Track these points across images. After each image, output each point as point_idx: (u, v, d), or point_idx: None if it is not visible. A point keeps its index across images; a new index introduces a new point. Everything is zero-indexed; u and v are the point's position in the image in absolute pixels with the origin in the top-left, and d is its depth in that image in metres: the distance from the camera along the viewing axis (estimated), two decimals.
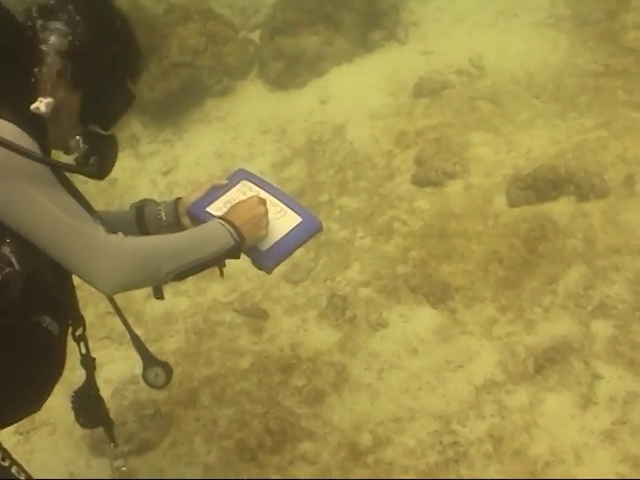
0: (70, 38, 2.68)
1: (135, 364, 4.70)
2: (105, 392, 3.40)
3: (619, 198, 4.91)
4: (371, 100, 6.74)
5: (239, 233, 2.87)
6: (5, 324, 2.42)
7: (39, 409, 2.78)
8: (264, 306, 5.07)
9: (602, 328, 4.25)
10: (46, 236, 2.46)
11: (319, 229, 3.29)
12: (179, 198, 3.26)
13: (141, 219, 3.24)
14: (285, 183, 6.12)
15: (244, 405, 4.49)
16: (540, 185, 5.03)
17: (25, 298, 2.42)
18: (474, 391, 4.19)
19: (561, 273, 4.61)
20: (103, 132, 2.95)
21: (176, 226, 3.22)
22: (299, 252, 4.98)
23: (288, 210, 3.18)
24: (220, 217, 2.94)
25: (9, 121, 2.43)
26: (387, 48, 7.41)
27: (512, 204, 5.12)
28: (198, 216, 3.14)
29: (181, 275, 2.75)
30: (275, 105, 7.23)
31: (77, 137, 2.78)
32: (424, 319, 4.69)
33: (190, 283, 5.41)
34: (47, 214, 2.45)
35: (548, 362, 4.13)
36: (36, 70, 2.64)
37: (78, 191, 2.72)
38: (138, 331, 4.84)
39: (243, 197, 3.16)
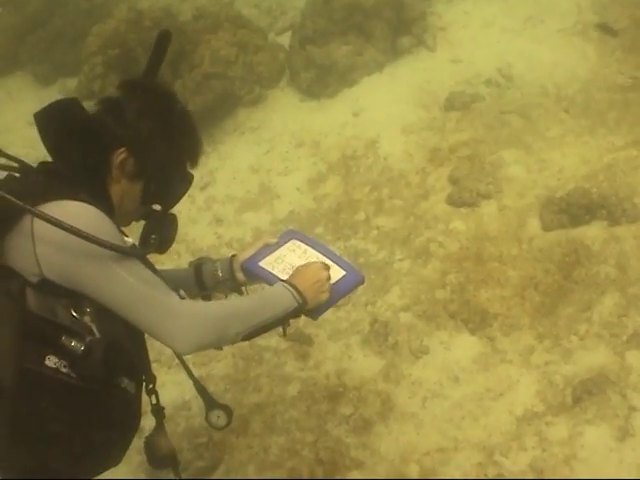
0: (133, 133, 2.93)
1: (186, 389, 4.95)
2: None
3: None
4: (403, 113, 6.86)
5: (302, 296, 3.08)
6: (88, 388, 2.68)
7: (120, 461, 3.06)
8: (308, 331, 5.22)
9: (637, 359, 4.38)
10: (127, 305, 2.72)
11: (361, 282, 3.50)
12: (234, 255, 3.50)
13: (199, 276, 3.50)
14: (322, 200, 6.30)
15: (294, 433, 4.67)
16: (573, 210, 5.16)
17: (106, 363, 2.67)
18: (515, 422, 4.33)
19: (595, 300, 4.74)
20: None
21: (231, 281, 3.48)
22: None
23: (333, 265, 3.41)
24: (285, 280, 3.16)
25: (87, 202, 2.68)
26: (416, 55, 7.52)
27: (546, 228, 5.26)
28: (252, 270, 3.39)
29: (248, 336, 3.01)
30: (307, 116, 7.36)
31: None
32: (464, 346, 4.84)
33: None
34: (128, 286, 2.70)
35: (586, 394, 4.26)
36: (105, 158, 2.89)
37: (147, 259, 3.01)
38: None
39: (292, 254, 3.42)
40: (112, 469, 3.09)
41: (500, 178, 5.77)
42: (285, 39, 8.26)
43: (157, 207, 3.16)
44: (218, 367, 5.26)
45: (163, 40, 3.13)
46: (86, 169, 2.88)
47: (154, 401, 3.35)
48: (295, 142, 7.08)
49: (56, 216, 2.51)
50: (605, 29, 7.01)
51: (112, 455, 3.02)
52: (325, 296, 3.20)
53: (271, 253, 3.44)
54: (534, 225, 5.35)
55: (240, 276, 3.46)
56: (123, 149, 2.90)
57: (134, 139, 2.92)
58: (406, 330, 5.04)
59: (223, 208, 6.57)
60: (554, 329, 4.70)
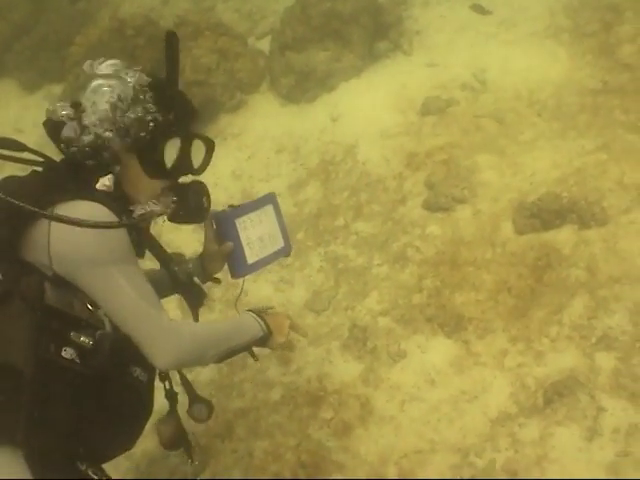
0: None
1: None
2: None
3: (618, 226, 5.15)
4: (380, 118, 7.00)
5: (269, 329, 3.50)
6: (102, 377, 2.95)
7: (133, 446, 3.33)
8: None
9: (605, 360, 4.50)
10: (121, 314, 2.98)
11: (288, 254, 3.99)
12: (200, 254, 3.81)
13: (175, 276, 3.75)
14: (302, 206, 6.46)
15: (277, 437, 4.80)
16: (544, 214, 5.29)
17: (113, 356, 2.95)
18: (489, 423, 4.46)
19: (566, 303, 4.85)
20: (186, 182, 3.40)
21: (203, 276, 3.84)
22: (320, 280, 5.37)
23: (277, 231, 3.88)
24: (257, 314, 3.52)
25: (103, 202, 2.93)
26: (393, 59, 7.68)
27: (519, 232, 5.38)
28: (252, 270, 3.76)
29: (220, 359, 3.28)
30: (287, 121, 7.51)
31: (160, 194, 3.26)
32: (440, 350, 4.96)
33: (219, 313, 5.76)
34: (126, 297, 2.95)
35: (557, 395, 4.38)
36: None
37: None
38: None
39: (248, 231, 3.70)
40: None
41: (475, 183, 5.89)
42: (265, 43, 8.42)
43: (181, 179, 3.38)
44: (204, 373, 5.40)
45: (171, 42, 3.24)
46: (95, 168, 3.09)
47: (167, 386, 3.72)
48: (276, 148, 7.24)
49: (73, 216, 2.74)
50: (478, 9, 7.47)
51: (125, 440, 3.31)
52: (282, 339, 3.60)
53: (243, 246, 3.68)
54: (507, 229, 5.46)
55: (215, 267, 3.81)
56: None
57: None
58: (384, 334, 5.17)
59: None
60: (526, 332, 4.81)
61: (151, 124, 3.11)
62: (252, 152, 7.32)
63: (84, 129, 3.05)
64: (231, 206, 3.75)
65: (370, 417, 4.76)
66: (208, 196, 3.40)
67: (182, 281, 3.69)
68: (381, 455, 4.55)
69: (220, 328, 3.48)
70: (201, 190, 3.38)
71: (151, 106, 3.12)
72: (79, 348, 2.84)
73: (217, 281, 3.96)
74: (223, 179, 7.04)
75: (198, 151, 3.38)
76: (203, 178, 3.46)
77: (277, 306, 5.54)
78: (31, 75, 9.49)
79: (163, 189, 3.26)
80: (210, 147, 3.41)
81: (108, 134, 3.05)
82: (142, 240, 3.31)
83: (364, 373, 5.02)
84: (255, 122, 7.68)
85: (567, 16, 7.33)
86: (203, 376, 5.38)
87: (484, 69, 7.08)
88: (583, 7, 7.31)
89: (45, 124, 3.15)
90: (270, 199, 3.89)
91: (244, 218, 3.69)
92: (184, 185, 3.33)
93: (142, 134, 3.11)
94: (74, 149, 3.05)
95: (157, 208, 3.16)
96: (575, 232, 5.26)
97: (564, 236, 5.26)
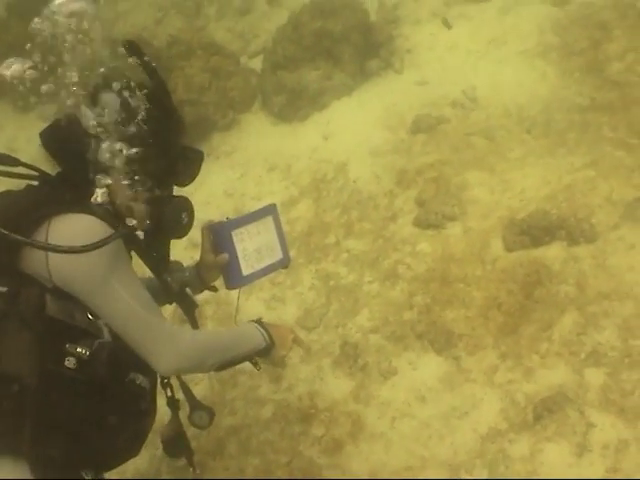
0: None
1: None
2: None
3: (607, 242, 5.18)
4: (371, 136, 7.05)
5: (272, 339, 3.45)
6: (106, 386, 2.95)
7: (138, 453, 3.30)
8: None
9: (594, 376, 4.51)
10: (123, 323, 2.97)
11: (286, 265, 3.90)
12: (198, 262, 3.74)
13: (166, 286, 3.65)
14: (294, 223, 6.48)
15: (269, 455, 4.80)
16: (534, 231, 5.32)
17: (111, 365, 2.94)
18: (479, 440, 4.47)
19: (555, 319, 4.86)
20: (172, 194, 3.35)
21: (200, 284, 3.79)
22: (312, 297, 5.38)
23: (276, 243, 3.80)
24: (260, 324, 3.48)
25: (99, 214, 2.93)
26: (384, 78, 7.73)
27: (508, 249, 5.40)
28: (246, 282, 3.69)
29: (221, 367, 3.33)
30: (279, 139, 7.56)
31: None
32: (430, 366, 4.98)
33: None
34: (127, 307, 2.95)
35: (546, 411, 4.40)
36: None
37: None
38: None
39: (245, 243, 3.66)
40: (132, 460, 3.31)
41: (465, 200, 5.93)
42: (257, 62, 8.48)
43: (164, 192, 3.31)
44: (195, 390, 5.31)
45: (133, 50, 3.18)
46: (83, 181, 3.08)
47: (169, 394, 3.69)
48: (268, 166, 7.29)
49: (68, 230, 2.81)
50: (445, 23, 7.84)
51: (130, 447, 3.26)
52: (285, 352, 3.57)
53: (239, 256, 3.65)
54: (497, 246, 5.48)
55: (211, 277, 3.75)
56: None
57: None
58: (375, 351, 5.19)
59: (198, 233, 6.67)
60: (516, 348, 4.82)
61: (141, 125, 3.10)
62: (244, 170, 7.36)
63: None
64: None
65: (361, 434, 4.77)
66: (190, 212, 3.30)
67: (174, 291, 3.66)
68: (372, 472, 4.55)
69: (222, 335, 3.52)
70: (182, 205, 3.28)
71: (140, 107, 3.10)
72: (78, 358, 2.86)
73: (214, 289, 3.95)
74: (215, 197, 7.08)
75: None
76: (194, 196, 3.46)
77: None
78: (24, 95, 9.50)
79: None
80: (198, 159, 3.39)
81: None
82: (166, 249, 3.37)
83: (355, 390, 5.03)
84: (247, 140, 7.73)
85: (556, 34, 7.37)
86: (195, 393, 5.33)
87: (474, 87, 7.12)
88: (572, 25, 7.35)
89: (42, 135, 3.13)
90: (270, 210, 3.87)
91: (241, 230, 3.68)
92: (165, 198, 3.26)
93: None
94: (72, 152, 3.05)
95: (134, 221, 3.13)
96: (564, 249, 5.28)
97: (553, 253, 5.28)
